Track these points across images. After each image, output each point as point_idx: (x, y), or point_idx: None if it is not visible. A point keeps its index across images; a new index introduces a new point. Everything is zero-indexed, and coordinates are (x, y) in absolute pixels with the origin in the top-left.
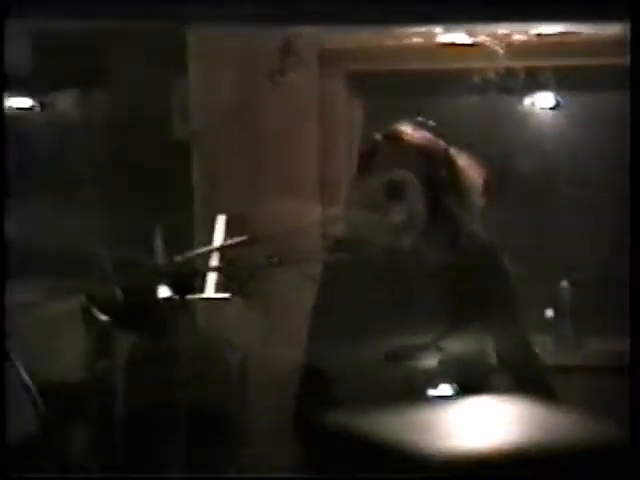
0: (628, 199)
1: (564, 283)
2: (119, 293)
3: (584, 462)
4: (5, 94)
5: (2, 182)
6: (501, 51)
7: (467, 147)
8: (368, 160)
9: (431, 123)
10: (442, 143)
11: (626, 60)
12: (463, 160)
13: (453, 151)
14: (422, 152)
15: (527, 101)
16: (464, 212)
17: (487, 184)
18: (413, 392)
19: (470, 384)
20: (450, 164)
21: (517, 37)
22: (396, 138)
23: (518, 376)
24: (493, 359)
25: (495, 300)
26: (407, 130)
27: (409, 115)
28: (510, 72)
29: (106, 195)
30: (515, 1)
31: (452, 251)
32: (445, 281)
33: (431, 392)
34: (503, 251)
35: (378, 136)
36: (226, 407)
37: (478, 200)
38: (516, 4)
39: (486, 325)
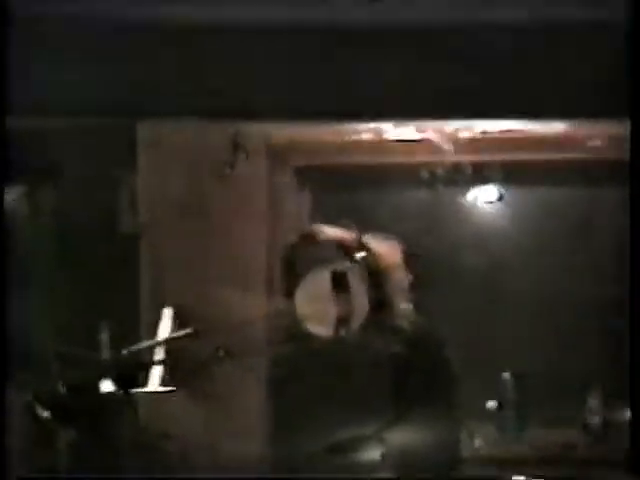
0: (571, 292)
1: (506, 374)
2: (62, 388)
3: None
4: None
5: None
6: (448, 147)
7: (412, 239)
8: (289, 264)
9: (342, 220)
10: (354, 233)
11: (572, 155)
12: (377, 244)
13: (366, 238)
14: (338, 245)
15: (471, 195)
16: (393, 292)
17: (408, 260)
18: None
19: (412, 475)
20: (365, 250)
21: (463, 134)
22: (312, 237)
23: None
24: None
25: (435, 391)
26: (320, 228)
27: (356, 208)
28: (456, 167)
29: (52, 289)
30: (463, 99)
31: (393, 340)
32: (387, 372)
33: None
34: (442, 339)
35: (294, 239)
36: None
37: (402, 277)
38: (464, 101)
39: (427, 416)
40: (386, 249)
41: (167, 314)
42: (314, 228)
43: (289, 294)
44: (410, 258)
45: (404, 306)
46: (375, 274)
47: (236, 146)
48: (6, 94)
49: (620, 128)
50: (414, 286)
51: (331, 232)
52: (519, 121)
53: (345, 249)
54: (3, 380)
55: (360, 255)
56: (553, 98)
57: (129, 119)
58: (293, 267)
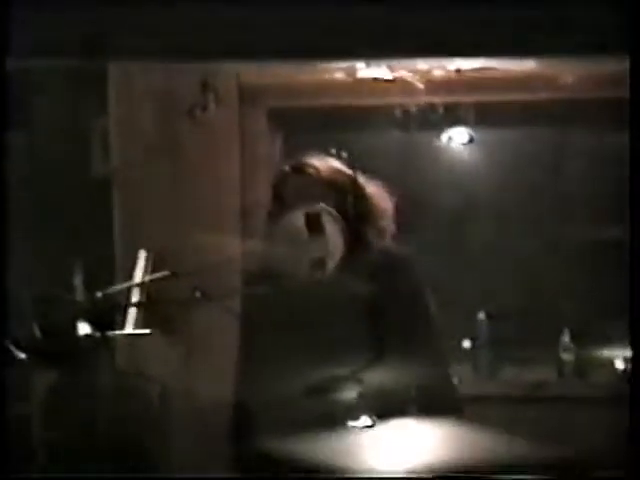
0: (543, 233)
1: (481, 315)
2: (37, 331)
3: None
4: None
5: None
6: (421, 86)
7: (384, 179)
8: (279, 192)
9: (341, 153)
10: (350, 172)
11: (541, 95)
12: (371, 188)
13: (361, 179)
14: (330, 183)
15: (444, 136)
16: (377, 238)
17: (397, 210)
18: (334, 424)
19: (390, 415)
20: (358, 192)
21: (436, 72)
22: (303, 170)
23: (435, 406)
24: (413, 390)
25: (415, 325)
26: (314, 162)
27: (328, 150)
28: (429, 107)
29: (25, 233)
30: (436, 36)
31: (370, 281)
32: (364, 313)
33: (351, 423)
34: (416, 265)
35: (286, 168)
36: (147, 441)
37: (389, 226)
38: (436, 39)
39: (407, 355)
40: (379, 194)
41: (142, 257)
42: (308, 160)
43: (276, 223)
44: (399, 208)
45: (385, 250)
46: (362, 215)
47: (206, 87)
48: None
49: (594, 67)
50: (397, 235)
51: (325, 168)
52: (494, 59)
53: (336, 186)
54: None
55: (351, 195)
56: (530, 34)
57: (99, 60)
58: (282, 196)
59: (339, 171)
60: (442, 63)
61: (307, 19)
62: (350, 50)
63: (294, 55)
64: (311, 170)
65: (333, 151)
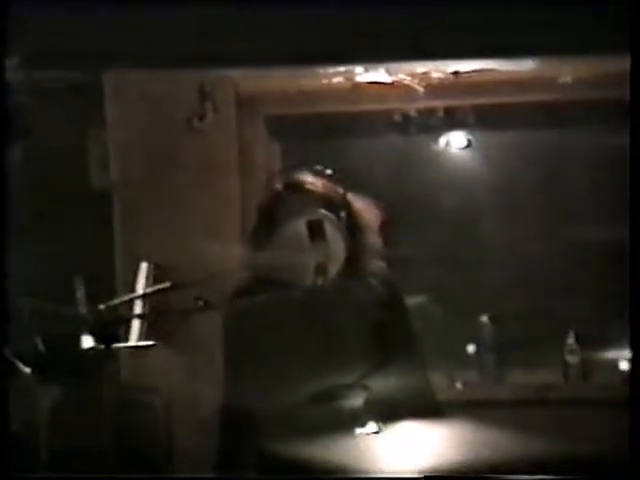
0: (545, 235)
1: (484, 318)
2: (41, 344)
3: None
4: None
5: None
6: (420, 89)
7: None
8: (269, 211)
9: (329, 170)
10: (339, 188)
11: (541, 96)
12: (359, 203)
13: (350, 195)
14: (323, 198)
15: (443, 141)
16: (366, 251)
17: (384, 224)
18: (340, 432)
19: (396, 420)
20: (348, 207)
21: (435, 75)
22: (296, 186)
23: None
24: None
25: (401, 338)
26: (307, 178)
27: (328, 156)
28: (428, 111)
29: (27, 246)
30: (432, 39)
31: (368, 291)
32: (365, 320)
33: (358, 431)
34: (401, 289)
35: (278, 186)
36: (153, 452)
37: (375, 241)
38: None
39: (403, 362)
40: (367, 210)
41: (143, 269)
42: (300, 177)
43: (263, 243)
44: (387, 224)
45: (377, 265)
46: (353, 231)
47: (204, 96)
48: None
49: (592, 67)
50: (385, 249)
51: (317, 183)
52: (492, 60)
53: (328, 202)
54: None
55: (342, 211)
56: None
57: (96, 70)
58: (271, 216)
59: (330, 187)
60: (440, 66)
61: (303, 23)
62: (348, 54)
63: (292, 61)
64: (306, 187)
65: (320, 168)
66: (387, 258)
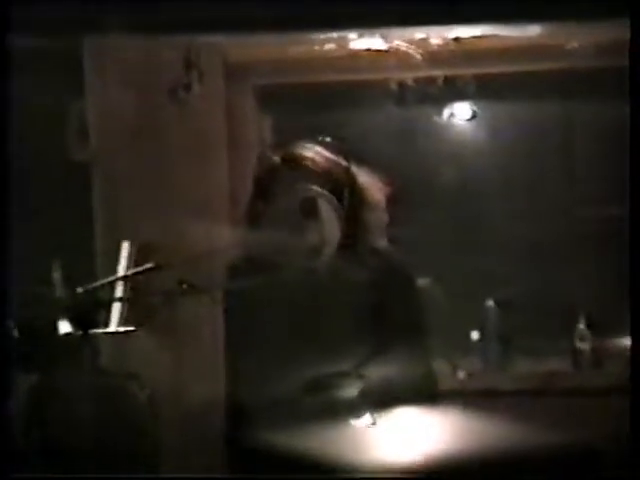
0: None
1: (490, 303)
2: (16, 330)
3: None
4: None
5: None
6: (418, 57)
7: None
8: (266, 184)
9: (332, 141)
10: (342, 162)
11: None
12: (364, 178)
13: (353, 169)
14: (325, 175)
15: (445, 113)
16: (369, 229)
17: (390, 200)
18: (335, 421)
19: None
20: (351, 182)
21: (434, 42)
22: (295, 161)
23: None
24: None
25: (407, 324)
26: (306, 152)
27: (322, 129)
28: (428, 81)
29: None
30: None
31: (367, 271)
32: (362, 304)
33: (353, 420)
34: (412, 270)
35: (275, 159)
36: (136, 442)
37: (382, 216)
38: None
39: (405, 349)
40: (372, 184)
41: (125, 249)
42: (299, 150)
43: (258, 217)
44: (392, 199)
45: (380, 243)
46: (356, 206)
47: (189, 65)
48: None
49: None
50: (391, 226)
51: (317, 158)
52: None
53: (329, 178)
54: None
55: (345, 187)
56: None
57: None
58: (267, 189)
59: (333, 162)
60: (440, 32)
61: None
62: (340, 19)
63: (282, 26)
64: (305, 162)
65: (323, 138)
66: (391, 236)
